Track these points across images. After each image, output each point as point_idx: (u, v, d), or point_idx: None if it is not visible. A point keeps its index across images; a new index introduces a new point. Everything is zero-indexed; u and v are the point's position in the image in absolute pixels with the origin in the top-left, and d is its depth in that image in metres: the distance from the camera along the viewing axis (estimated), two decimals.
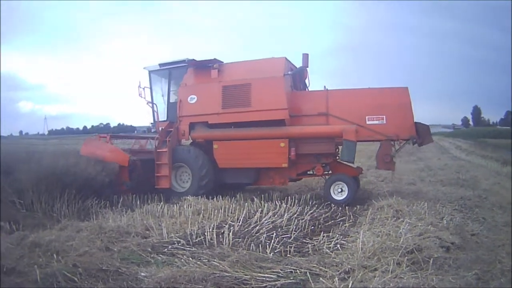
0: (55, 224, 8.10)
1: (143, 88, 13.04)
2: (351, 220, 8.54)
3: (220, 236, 7.13)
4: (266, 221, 8.21)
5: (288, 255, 6.11)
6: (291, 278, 5.08)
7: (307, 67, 12.19)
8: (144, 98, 13.09)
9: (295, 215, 8.80)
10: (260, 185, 12.87)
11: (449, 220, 7.98)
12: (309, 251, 6.35)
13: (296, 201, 10.43)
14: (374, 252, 5.68)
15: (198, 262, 5.72)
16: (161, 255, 6.23)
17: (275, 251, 6.30)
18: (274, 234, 7.18)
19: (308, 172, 11.96)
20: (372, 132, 10.87)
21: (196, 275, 5.08)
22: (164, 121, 12.94)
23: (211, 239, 6.95)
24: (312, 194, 11.87)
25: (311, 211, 9.33)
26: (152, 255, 6.23)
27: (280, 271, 5.30)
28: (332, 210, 9.70)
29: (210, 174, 11.80)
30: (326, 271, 5.23)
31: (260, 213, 8.89)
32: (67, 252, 6.11)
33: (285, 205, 9.70)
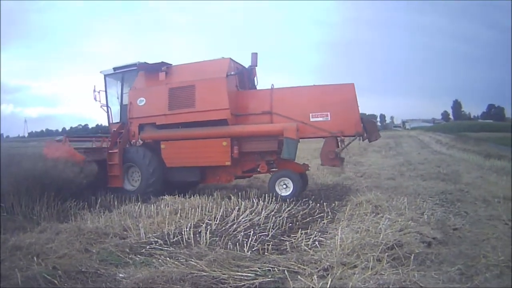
0: (35, 226, 8.00)
1: (99, 92, 13.55)
2: (329, 217, 8.50)
3: (197, 235, 7.07)
4: (243, 219, 8.15)
5: (266, 253, 6.08)
6: (269, 277, 5.06)
7: (256, 66, 12.52)
8: (100, 101, 13.60)
9: (273, 213, 8.76)
10: (208, 183, 13.14)
11: (430, 215, 8.01)
12: (287, 248, 6.35)
13: (274, 198, 10.39)
14: (353, 249, 5.70)
15: (176, 262, 5.68)
16: (139, 256, 6.20)
17: (253, 250, 6.29)
18: (252, 232, 7.16)
19: (257, 170, 12.11)
20: (316, 129, 11.10)
21: (174, 275, 5.04)
22: (117, 122, 13.31)
23: (188, 238, 6.91)
24: None
25: (289, 208, 9.30)
26: (130, 256, 6.19)
27: (258, 270, 5.29)
28: (310, 206, 9.64)
29: (158, 173, 12.10)
30: (305, 269, 5.23)
31: (238, 211, 8.85)
32: (47, 254, 6.07)
33: (262, 203, 9.66)
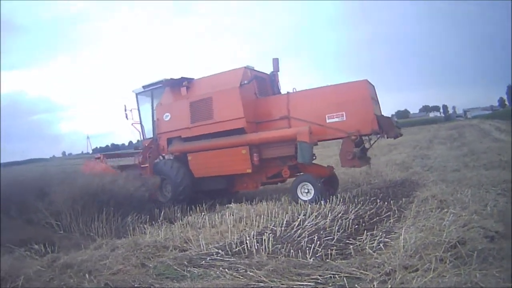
0: (91, 243, 8.05)
1: (130, 110, 14.14)
2: (396, 216, 8.09)
3: (260, 243, 6.79)
4: (309, 224, 7.80)
5: (328, 260, 5.80)
6: (330, 285, 4.81)
7: (278, 71, 12.83)
8: (132, 119, 14.19)
9: (340, 215, 8.36)
10: (237, 190, 13.30)
11: (492, 206, 7.56)
12: (351, 252, 6.03)
13: (342, 199, 10.08)
14: (416, 250, 5.34)
15: (234, 273, 5.53)
16: (197, 268, 6.02)
17: (316, 256, 5.99)
18: (316, 237, 6.82)
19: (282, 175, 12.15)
20: (333, 130, 10.95)
21: (229, 287, 4.88)
22: (150, 138, 13.81)
23: (250, 247, 6.66)
24: (358, 191, 11.56)
25: (356, 209, 8.88)
26: (188, 269, 6.03)
27: (319, 278, 5.04)
28: (377, 206, 9.21)
29: (186, 182, 12.46)
30: (367, 274, 4.94)
31: (304, 215, 8.56)
32: (100, 271, 6.03)
33: (329, 205, 9.36)
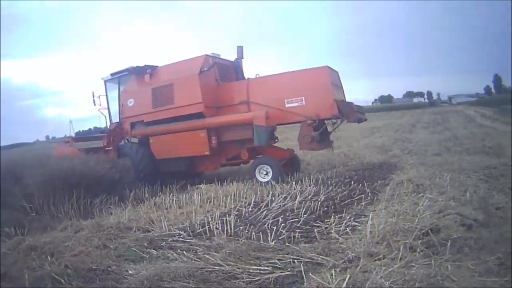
0: (57, 225, 7.81)
1: (99, 96, 14.51)
2: (368, 198, 7.79)
3: (224, 225, 6.48)
4: (276, 205, 7.54)
5: (291, 243, 5.50)
6: (288, 270, 4.50)
7: (242, 58, 13.30)
8: (100, 104, 14.56)
9: (310, 196, 8.10)
10: (198, 171, 13.50)
11: (472, 192, 7.18)
12: (316, 236, 5.73)
13: (314, 180, 9.84)
14: (384, 236, 5.00)
15: (192, 255, 5.31)
16: (157, 250, 5.84)
17: (279, 239, 5.71)
18: (282, 219, 6.58)
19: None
20: (292, 114, 11.24)
21: (183, 270, 4.63)
22: (116, 122, 14.07)
23: (213, 229, 6.41)
24: (332, 173, 11.36)
25: (328, 191, 8.61)
26: (148, 250, 5.85)
27: (278, 262, 4.74)
28: (350, 188, 8.93)
29: (146, 161, 12.78)
30: (329, 260, 4.62)
31: (272, 196, 8.30)
32: (62, 253, 5.84)
33: (299, 187, 9.09)
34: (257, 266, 4.66)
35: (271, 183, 10.25)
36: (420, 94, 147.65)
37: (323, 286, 3.97)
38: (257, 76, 12.49)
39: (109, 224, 7.22)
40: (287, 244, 5.50)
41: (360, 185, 9.11)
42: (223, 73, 12.83)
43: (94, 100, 14.41)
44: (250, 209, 7.57)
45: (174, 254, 5.46)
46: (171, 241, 6.17)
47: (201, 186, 10.55)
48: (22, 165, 10.55)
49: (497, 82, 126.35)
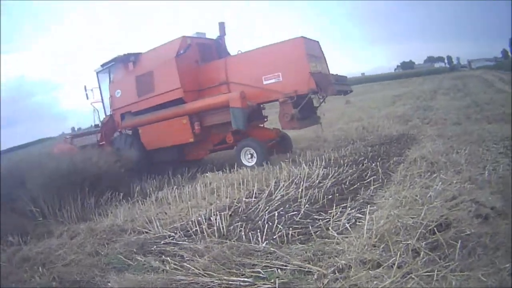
0: (55, 231, 7.47)
1: (91, 89, 14.20)
2: (380, 181, 7.07)
3: (219, 222, 5.96)
4: (279, 194, 6.98)
5: (284, 243, 4.98)
6: (271, 281, 3.94)
7: (224, 35, 12.65)
8: (93, 98, 14.23)
9: (317, 181, 7.53)
10: (189, 159, 12.74)
11: (491, 170, 6.44)
12: (313, 234, 5.07)
13: (326, 160, 9.28)
14: (383, 236, 4.25)
15: (176, 262, 4.87)
16: (146, 255, 5.43)
17: (273, 238, 5.16)
18: (280, 212, 6.06)
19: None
20: (271, 92, 10.69)
21: (158, 283, 4.31)
22: (109, 115, 13.81)
23: (206, 228, 5.89)
24: (347, 150, 10.77)
25: (338, 172, 7.99)
26: (136, 257, 5.40)
27: (261, 272, 4.17)
28: (363, 167, 8.31)
29: (138, 155, 12.08)
30: (318, 270, 3.98)
31: (275, 183, 7.74)
32: (54, 263, 5.66)
33: (308, 169, 8.40)
34: (238, 277, 4.14)
35: (279, 165, 9.46)
36: (441, 59, 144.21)
37: None
38: (239, 52, 11.88)
39: (101, 227, 6.92)
40: (279, 244, 4.98)
41: (374, 163, 8.44)
42: (204, 53, 12.24)
43: (86, 94, 14.08)
44: (252, 199, 7.12)
45: (157, 262, 5.03)
46: (163, 244, 5.75)
47: (207, 174, 10.07)
48: (25, 167, 9.93)
49: None
